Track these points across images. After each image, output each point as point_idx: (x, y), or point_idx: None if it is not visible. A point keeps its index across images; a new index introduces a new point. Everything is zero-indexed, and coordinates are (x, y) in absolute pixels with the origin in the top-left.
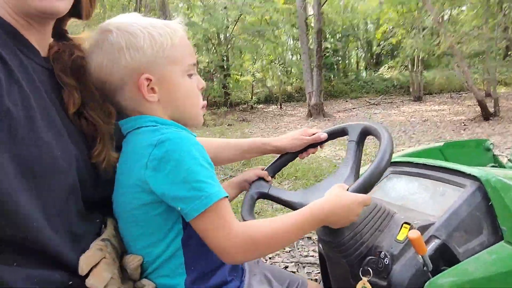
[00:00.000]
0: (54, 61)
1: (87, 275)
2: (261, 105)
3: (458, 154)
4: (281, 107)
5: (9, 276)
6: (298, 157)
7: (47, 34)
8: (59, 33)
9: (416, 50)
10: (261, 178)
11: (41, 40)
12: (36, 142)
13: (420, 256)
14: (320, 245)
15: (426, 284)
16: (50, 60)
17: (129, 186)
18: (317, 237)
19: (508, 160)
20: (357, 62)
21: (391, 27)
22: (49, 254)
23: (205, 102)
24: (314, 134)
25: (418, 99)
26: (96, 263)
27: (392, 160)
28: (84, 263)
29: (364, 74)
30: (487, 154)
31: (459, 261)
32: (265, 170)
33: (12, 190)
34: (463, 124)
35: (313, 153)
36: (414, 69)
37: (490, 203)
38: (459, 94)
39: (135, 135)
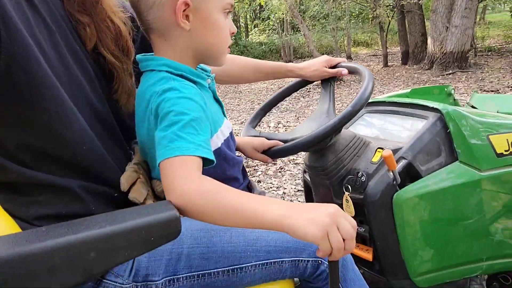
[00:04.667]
0: None
1: (127, 192)
2: None
3: (423, 99)
4: None
5: (65, 183)
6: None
7: None
8: None
9: (279, 12)
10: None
11: None
12: (70, 78)
13: (390, 172)
14: (306, 174)
15: (394, 195)
16: None
17: (144, 127)
18: (303, 169)
19: (466, 103)
20: (246, 25)
21: None
22: (95, 172)
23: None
24: (337, 65)
25: (289, 62)
26: (133, 182)
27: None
28: (125, 181)
29: (243, 38)
30: (449, 98)
31: (421, 177)
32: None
33: (70, 119)
34: (306, 90)
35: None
36: (283, 33)
37: (448, 131)
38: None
39: (147, 77)
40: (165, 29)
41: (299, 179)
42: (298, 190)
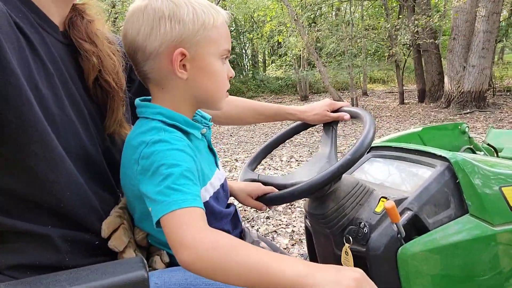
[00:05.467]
0: (70, 28)
1: (109, 238)
2: None
3: (435, 138)
4: None
5: (44, 231)
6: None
7: (67, 9)
8: None
9: (295, 49)
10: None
11: (61, 16)
12: (64, 120)
13: (394, 224)
14: (307, 220)
15: (399, 249)
16: (67, 34)
17: (127, 174)
18: (305, 215)
19: (483, 141)
20: (264, 60)
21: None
22: (78, 219)
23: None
24: (339, 109)
25: (305, 98)
26: (116, 228)
27: (373, 145)
28: (106, 227)
29: (261, 72)
30: (463, 136)
31: (428, 231)
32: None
33: (57, 163)
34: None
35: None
36: (299, 68)
37: (457, 181)
38: (343, 92)
39: (139, 124)
40: (162, 79)
41: None
42: None
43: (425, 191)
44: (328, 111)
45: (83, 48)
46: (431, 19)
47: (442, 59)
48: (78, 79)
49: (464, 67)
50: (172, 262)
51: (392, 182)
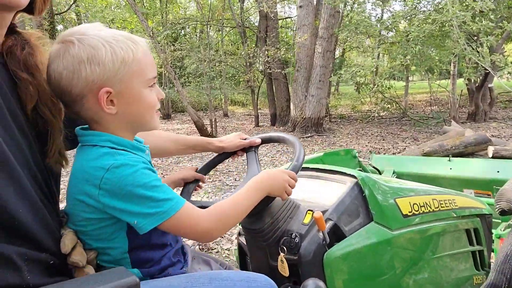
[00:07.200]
0: (8, 56)
1: (63, 260)
2: None
3: (334, 161)
4: None
5: (5, 249)
6: (230, 158)
7: (2, 29)
8: (9, 27)
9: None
10: (196, 181)
11: None
12: (11, 140)
13: (321, 232)
14: (242, 237)
15: (324, 255)
16: (3, 55)
17: (78, 201)
18: (238, 232)
19: (369, 164)
20: None
21: None
22: (32, 239)
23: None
24: (246, 138)
25: (167, 117)
26: (74, 246)
27: None
28: (70, 242)
29: None
30: (354, 160)
31: (345, 237)
32: (199, 170)
33: (13, 178)
34: None
35: (241, 155)
36: (161, 86)
37: (364, 194)
38: (205, 113)
39: (88, 151)
40: (94, 116)
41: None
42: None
43: (341, 204)
44: (240, 138)
45: (20, 78)
46: (279, 51)
47: (289, 87)
48: (20, 102)
49: (306, 96)
50: None
51: (313, 197)
